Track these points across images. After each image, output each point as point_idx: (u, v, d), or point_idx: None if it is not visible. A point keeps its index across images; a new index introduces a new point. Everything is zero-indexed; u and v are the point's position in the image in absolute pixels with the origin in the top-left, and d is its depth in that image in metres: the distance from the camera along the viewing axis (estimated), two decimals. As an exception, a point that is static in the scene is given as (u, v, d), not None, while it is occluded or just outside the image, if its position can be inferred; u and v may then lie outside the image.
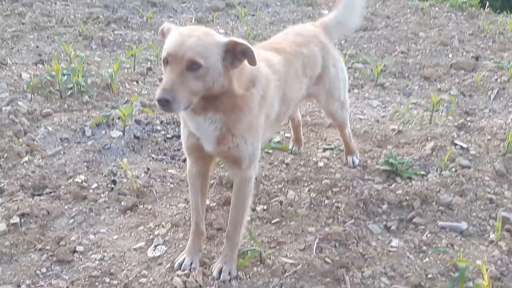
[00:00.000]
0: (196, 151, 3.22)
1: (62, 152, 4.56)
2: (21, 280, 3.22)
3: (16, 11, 7.98)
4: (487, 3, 10.81)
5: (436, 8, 10.12)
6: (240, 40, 2.84)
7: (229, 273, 3.20)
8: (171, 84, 2.67)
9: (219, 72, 2.78)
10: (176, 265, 3.27)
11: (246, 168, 3.19)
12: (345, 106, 4.28)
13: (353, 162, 4.48)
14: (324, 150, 4.79)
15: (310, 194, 4.04)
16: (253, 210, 3.89)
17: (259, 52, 3.30)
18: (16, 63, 6.23)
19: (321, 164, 4.51)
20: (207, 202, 3.87)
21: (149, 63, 6.62)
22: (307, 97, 4.10)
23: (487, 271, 3.10)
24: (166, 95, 2.63)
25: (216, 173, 4.30)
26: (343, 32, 4.42)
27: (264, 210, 3.91)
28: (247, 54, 2.81)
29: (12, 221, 3.67)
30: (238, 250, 3.29)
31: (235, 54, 2.81)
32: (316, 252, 3.45)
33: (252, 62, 2.83)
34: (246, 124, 3.05)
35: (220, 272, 3.20)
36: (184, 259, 3.28)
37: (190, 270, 3.23)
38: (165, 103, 2.64)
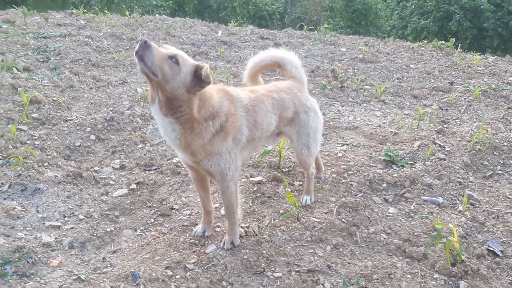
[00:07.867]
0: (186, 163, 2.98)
1: (164, 142, 4.64)
2: (137, 227, 3.33)
3: (133, 46, 8.15)
4: (459, 45, 10.54)
5: (423, 48, 9.88)
6: (203, 64, 2.55)
7: (231, 243, 3.02)
8: (155, 52, 2.39)
9: (183, 82, 2.47)
10: (194, 232, 3.20)
11: (220, 180, 2.85)
12: (311, 154, 3.45)
13: (306, 202, 3.64)
14: (342, 145, 4.76)
15: (332, 175, 4.03)
16: (292, 185, 3.92)
17: (237, 90, 3.03)
18: (133, 82, 6.38)
19: (339, 154, 4.48)
20: (260, 178, 3.95)
21: (222, 83, 6.64)
22: (283, 134, 3.46)
23: (456, 231, 3.06)
24: (145, 49, 2.35)
25: (267, 159, 4.32)
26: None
27: (300, 185, 3.93)
28: (202, 70, 2.50)
29: (131, 187, 3.80)
30: (284, 210, 3.31)
31: (199, 78, 2.51)
32: (335, 214, 3.45)
33: (207, 78, 2.51)
34: (200, 147, 2.68)
35: (224, 243, 3.03)
36: (198, 228, 3.21)
37: (203, 236, 3.15)
38: (139, 53, 2.34)
